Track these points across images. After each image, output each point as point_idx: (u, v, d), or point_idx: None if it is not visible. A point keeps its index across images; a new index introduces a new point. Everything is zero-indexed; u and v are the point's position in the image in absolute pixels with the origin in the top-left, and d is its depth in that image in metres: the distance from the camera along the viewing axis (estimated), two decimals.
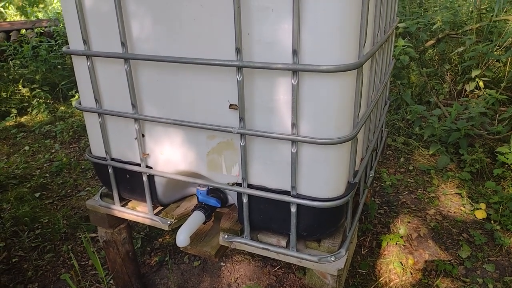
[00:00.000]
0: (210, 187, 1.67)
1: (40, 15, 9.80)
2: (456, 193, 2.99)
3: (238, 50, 1.27)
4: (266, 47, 1.25)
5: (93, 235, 2.63)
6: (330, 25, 1.16)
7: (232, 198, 1.72)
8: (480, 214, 2.70)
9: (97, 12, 1.48)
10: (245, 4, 1.22)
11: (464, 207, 2.83)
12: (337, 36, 1.18)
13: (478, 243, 2.47)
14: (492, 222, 2.65)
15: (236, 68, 1.30)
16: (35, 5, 10.74)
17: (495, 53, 4.13)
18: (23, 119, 4.64)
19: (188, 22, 1.34)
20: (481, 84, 4.07)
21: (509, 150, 3.11)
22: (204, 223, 1.68)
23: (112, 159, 1.75)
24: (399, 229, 2.59)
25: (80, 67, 1.63)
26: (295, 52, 1.20)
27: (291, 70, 1.23)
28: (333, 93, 1.26)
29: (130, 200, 1.90)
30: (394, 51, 3.97)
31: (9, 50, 5.71)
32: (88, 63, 1.57)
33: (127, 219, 1.94)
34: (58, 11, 9.16)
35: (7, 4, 10.24)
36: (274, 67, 1.24)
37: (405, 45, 4.01)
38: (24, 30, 6.19)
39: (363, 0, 1.20)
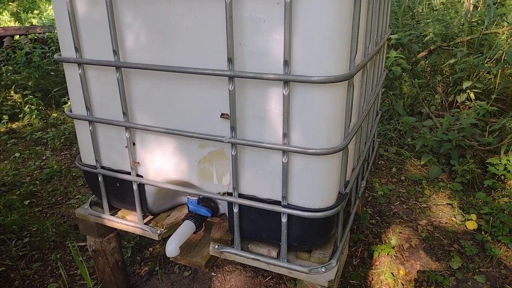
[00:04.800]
0: (201, 197, 1.66)
1: (35, 21, 9.78)
2: (447, 204, 3.00)
3: (230, 60, 1.27)
4: (257, 58, 1.26)
5: (83, 243, 2.60)
6: (321, 37, 1.17)
7: (223, 208, 1.71)
8: (471, 225, 2.71)
9: (90, 20, 1.48)
10: (237, 15, 1.23)
11: (455, 217, 2.84)
12: (328, 47, 1.19)
13: (469, 254, 2.48)
14: (483, 233, 2.66)
15: (228, 78, 1.30)
16: (29, 11, 10.73)
17: (485, 65, 4.19)
18: (14, 125, 4.60)
19: (181, 32, 1.35)
20: (472, 95, 4.12)
21: (500, 161, 3.13)
22: (194, 232, 1.66)
23: (102, 167, 1.74)
24: (391, 240, 2.59)
25: (72, 74, 1.62)
26: (286, 63, 1.21)
27: (282, 81, 1.23)
28: (324, 104, 1.26)
29: (120, 209, 1.88)
30: (386, 62, 4.00)
31: (2, 56, 5.67)
32: (80, 71, 1.56)
33: (116, 228, 1.92)
34: (53, 18, 9.12)
35: (1, 10, 10.21)
36: (266, 77, 1.24)
37: (397, 56, 4.05)
38: (18, 36, 6.16)
39: (354, 12, 1.22)
